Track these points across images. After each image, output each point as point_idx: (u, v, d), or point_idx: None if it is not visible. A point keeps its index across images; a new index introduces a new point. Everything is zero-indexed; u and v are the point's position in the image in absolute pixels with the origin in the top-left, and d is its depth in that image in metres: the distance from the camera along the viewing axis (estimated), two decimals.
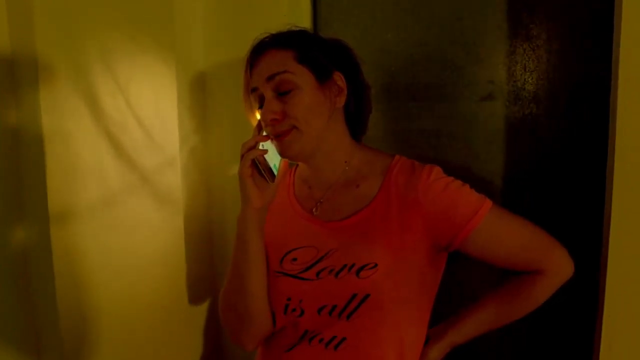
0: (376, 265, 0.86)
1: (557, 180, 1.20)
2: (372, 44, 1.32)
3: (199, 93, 1.39)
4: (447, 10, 1.24)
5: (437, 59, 1.26)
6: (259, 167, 0.90)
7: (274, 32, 0.94)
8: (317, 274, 0.89)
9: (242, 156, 0.89)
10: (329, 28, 1.37)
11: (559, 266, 0.91)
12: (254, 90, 0.92)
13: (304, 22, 1.33)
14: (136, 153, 1.19)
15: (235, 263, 0.93)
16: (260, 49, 0.92)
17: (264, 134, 0.92)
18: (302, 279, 0.90)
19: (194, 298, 1.38)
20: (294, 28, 0.95)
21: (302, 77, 0.89)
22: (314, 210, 0.96)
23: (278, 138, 0.90)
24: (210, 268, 1.44)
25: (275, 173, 0.92)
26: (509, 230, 0.91)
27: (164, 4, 1.27)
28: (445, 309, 1.00)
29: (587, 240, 1.14)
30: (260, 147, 0.90)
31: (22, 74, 1.01)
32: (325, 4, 1.37)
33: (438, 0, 1.25)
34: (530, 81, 1.20)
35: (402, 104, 1.31)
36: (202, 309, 1.43)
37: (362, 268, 0.87)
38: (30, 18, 0.99)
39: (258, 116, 0.94)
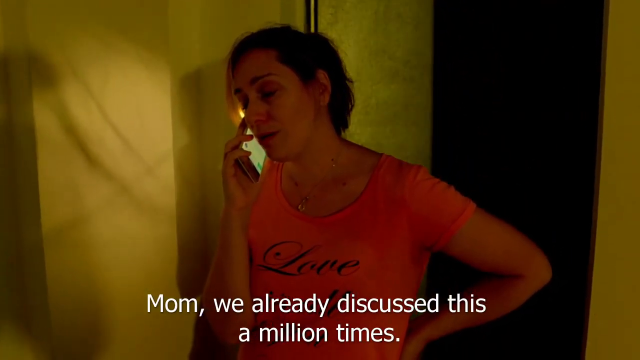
0: (358, 262, 0.87)
1: (546, 181, 1.20)
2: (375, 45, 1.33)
3: (193, 94, 1.39)
4: None
5: None
6: (243, 167, 0.89)
7: (255, 30, 0.93)
8: (299, 268, 0.90)
9: (226, 155, 0.88)
10: (331, 29, 1.37)
11: (538, 272, 0.93)
12: (238, 91, 0.92)
13: (298, 21, 1.33)
14: (129, 158, 1.20)
15: (217, 261, 0.94)
16: (243, 49, 0.91)
17: (248, 132, 0.91)
18: (284, 273, 0.91)
19: (187, 296, 1.39)
20: (275, 25, 0.94)
21: (286, 78, 0.89)
22: (299, 206, 0.96)
23: (264, 141, 0.90)
24: (203, 268, 1.45)
25: (259, 172, 0.91)
26: (492, 234, 0.92)
27: (160, 5, 1.28)
28: None
29: (576, 240, 1.14)
30: (244, 146, 0.89)
31: (16, 73, 1.03)
32: (328, 5, 1.37)
33: None
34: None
35: None
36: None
37: (343, 265, 0.87)
38: (23, 16, 1.00)
39: (242, 114, 0.93)
